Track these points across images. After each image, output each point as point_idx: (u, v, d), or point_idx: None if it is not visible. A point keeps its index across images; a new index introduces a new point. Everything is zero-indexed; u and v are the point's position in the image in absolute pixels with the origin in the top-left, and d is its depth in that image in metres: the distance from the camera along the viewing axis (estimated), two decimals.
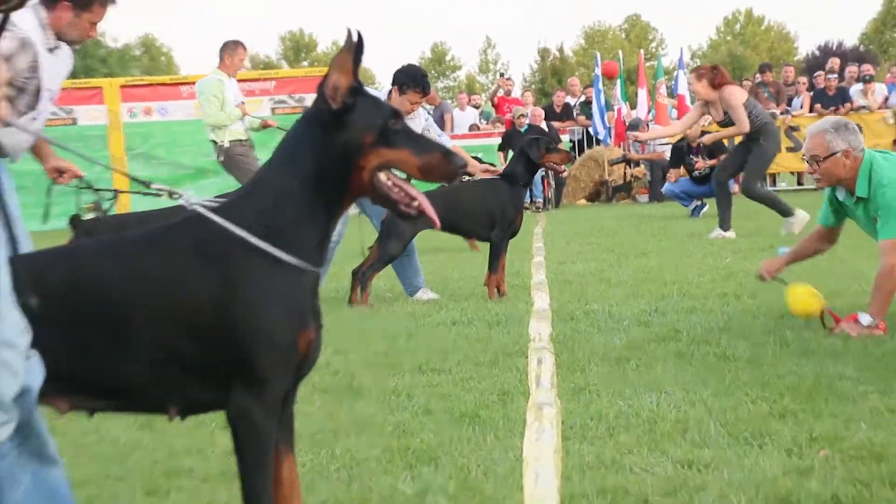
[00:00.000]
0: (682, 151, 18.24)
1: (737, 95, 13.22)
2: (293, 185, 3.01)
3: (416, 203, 3.07)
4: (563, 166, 10.00)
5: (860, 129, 21.75)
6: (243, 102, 13.10)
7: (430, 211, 3.11)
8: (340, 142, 2.99)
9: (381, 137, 3.00)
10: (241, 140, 12.66)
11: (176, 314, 2.94)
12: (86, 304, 2.96)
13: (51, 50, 5.98)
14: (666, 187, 18.87)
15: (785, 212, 13.57)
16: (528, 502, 3.72)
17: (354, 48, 3.00)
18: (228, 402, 2.95)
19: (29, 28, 5.83)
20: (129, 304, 2.95)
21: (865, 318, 6.52)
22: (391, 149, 3.01)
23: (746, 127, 13.22)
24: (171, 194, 3.42)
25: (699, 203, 17.46)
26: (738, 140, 15.01)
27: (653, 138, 19.89)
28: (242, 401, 2.93)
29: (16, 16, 5.80)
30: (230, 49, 12.94)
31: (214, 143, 12.66)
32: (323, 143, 3.01)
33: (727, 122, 13.53)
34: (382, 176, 3.02)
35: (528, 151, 9.32)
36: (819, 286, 6.97)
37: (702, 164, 17.01)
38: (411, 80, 9.11)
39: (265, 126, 13.06)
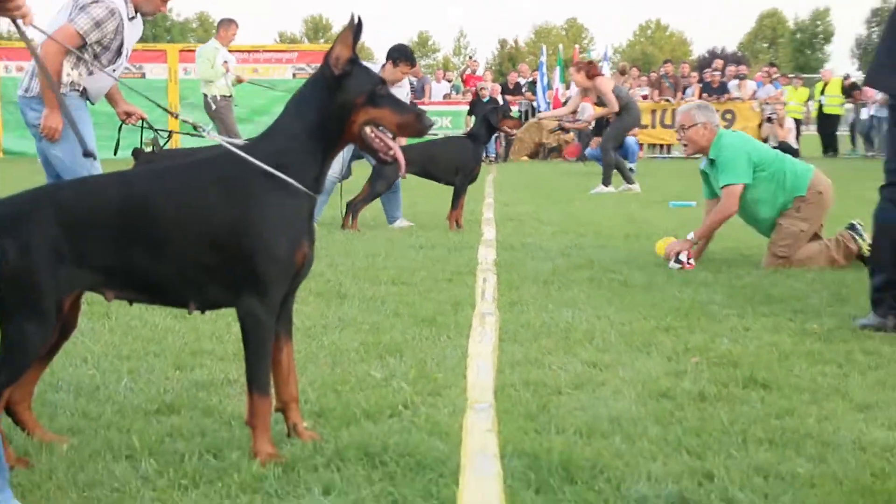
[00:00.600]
0: (602, 124, 18.21)
1: (606, 84, 13.44)
2: (299, 131, 2.97)
3: (391, 152, 3.04)
4: (514, 130, 9.93)
5: (734, 113, 21.92)
6: (226, 62, 13.11)
7: (402, 158, 3.10)
8: (338, 100, 2.95)
9: (369, 99, 2.97)
10: (225, 95, 12.67)
11: (200, 229, 2.89)
12: (130, 217, 2.90)
13: (130, 18, 5.95)
14: (588, 151, 18.83)
15: (627, 178, 13.91)
16: (470, 389, 3.67)
17: (355, 28, 2.96)
18: (238, 301, 2.91)
19: (115, 0, 5.82)
20: (164, 220, 2.89)
21: (690, 234, 6.74)
22: (377, 108, 2.98)
23: (615, 107, 13.38)
24: (195, 127, 3.42)
25: None
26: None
27: (550, 117, 19.41)
28: (249, 301, 2.89)
29: None
30: (225, 25, 13.13)
31: (205, 95, 12.62)
32: (324, 100, 2.97)
33: (601, 103, 13.82)
34: (368, 129, 3.00)
35: (490, 117, 9.26)
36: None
37: None
38: (402, 55, 9.08)
39: (239, 81, 13.12)
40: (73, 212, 2.85)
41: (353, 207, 8.89)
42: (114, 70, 6.07)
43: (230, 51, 13.66)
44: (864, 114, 24.71)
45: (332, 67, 2.94)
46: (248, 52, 23.48)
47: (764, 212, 6.75)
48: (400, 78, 9.09)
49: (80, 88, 5.96)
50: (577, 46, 35.98)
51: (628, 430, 3.19)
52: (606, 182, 13.60)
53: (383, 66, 9.10)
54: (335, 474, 2.81)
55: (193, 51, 23.64)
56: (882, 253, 4.84)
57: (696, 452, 2.99)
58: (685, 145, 7.02)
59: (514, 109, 23.64)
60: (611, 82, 13.62)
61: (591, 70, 13.40)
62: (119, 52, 5.99)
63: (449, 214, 9.11)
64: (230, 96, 12.77)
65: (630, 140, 16.58)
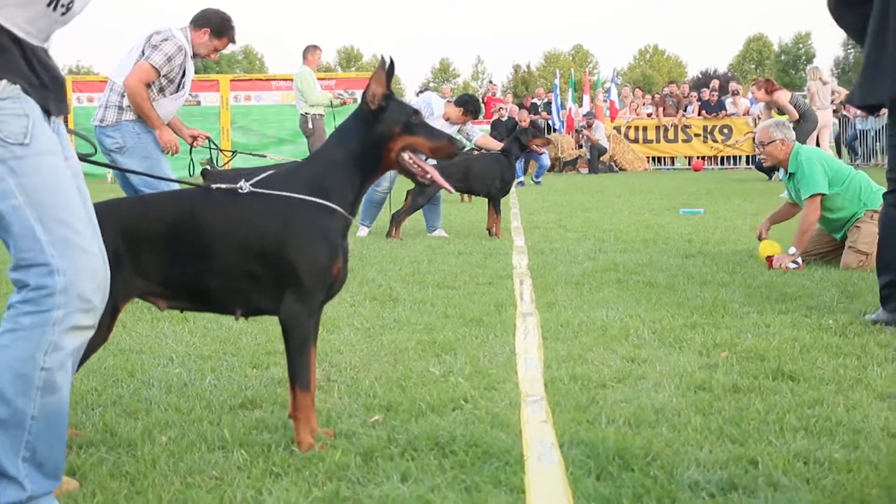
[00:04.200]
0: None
1: (784, 96, 13.38)
2: (340, 158, 2.98)
3: (428, 175, 3.05)
4: (542, 148, 9.84)
5: (731, 128, 21.62)
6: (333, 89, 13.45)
7: (441, 180, 3.11)
8: (376, 131, 2.97)
9: (404, 128, 2.98)
10: (321, 114, 12.74)
11: (249, 244, 2.88)
12: (183, 231, 2.89)
13: (192, 57, 6.07)
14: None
15: None
16: (522, 382, 3.62)
17: (387, 68, 2.97)
18: (281, 305, 2.88)
19: (182, 39, 5.96)
20: (215, 235, 2.88)
21: (791, 249, 6.58)
22: (412, 135, 2.99)
23: (795, 115, 13.29)
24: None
25: None
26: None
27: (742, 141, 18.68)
28: (291, 305, 2.87)
29: (176, 31, 6.01)
30: (311, 50, 13.06)
31: (306, 115, 12.61)
32: (364, 131, 2.99)
33: (781, 114, 13.59)
34: (405, 155, 3.01)
35: (521, 136, 9.20)
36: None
37: None
38: (473, 107, 9.14)
39: (343, 104, 13.22)
40: (133, 225, 2.86)
41: (396, 218, 8.84)
42: (177, 99, 6.18)
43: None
44: (855, 124, 24.45)
45: (370, 103, 2.96)
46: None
47: (836, 218, 6.70)
48: (462, 121, 9.09)
49: None
50: (587, 70, 35.93)
51: (673, 420, 3.13)
52: None
53: (448, 101, 9.27)
54: (410, 463, 2.77)
55: (242, 80, 24.08)
56: (888, 254, 4.75)
57: (739, 440, 2.92)
58: (764, 158, 7.07)
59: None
60: (788, 94, 13.58)
61: (770, 86, 13.50)
62: (181, 85, 6.11)
63: (488, 223, 9.02)
64: (323, 115, 12.89)
65: (543, 158, 17.26)
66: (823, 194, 6.55)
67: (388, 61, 2.98)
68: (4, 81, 2.12)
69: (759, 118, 23.65)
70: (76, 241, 2.18)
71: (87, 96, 22.48)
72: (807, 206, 6.62)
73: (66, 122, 2.40)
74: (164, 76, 5.97)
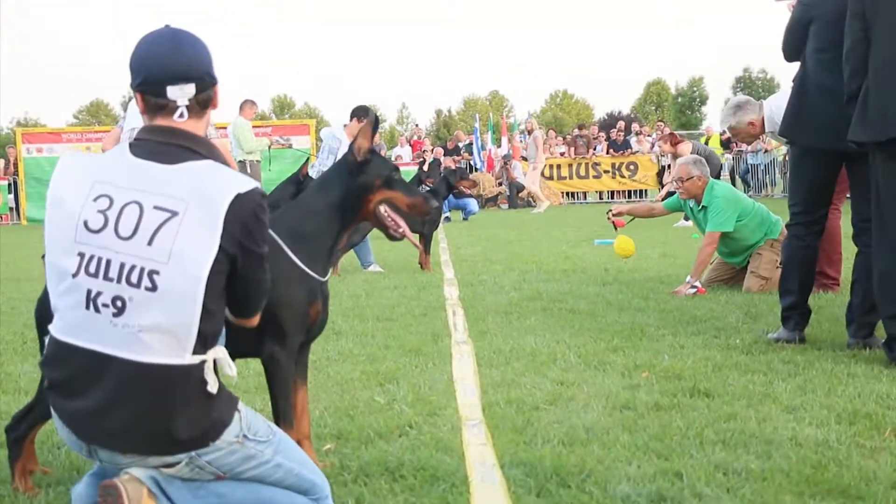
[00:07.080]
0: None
1: (686, 147, 13.67)
2: (321, 206, 2.93)
3: (401, 230, 3.04)
4: (469, 190, 9.89)
5: (637, 164, 22.12)
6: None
7: (410, 236, 3.10)
8: (358, 182, 2.95)
9: (385, 182, 2.98)
10: (257, 160, 12.82)
11: None
12: None
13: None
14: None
15: None
16: (461, 407, 3.62)
17: (373, 124, 2.99)
18: (261, 348, 2.81)
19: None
20: None
21: (688, 278, 6.69)
22: (391, 190, 2.99)
23: None
24: None
25: None
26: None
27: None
28: (271, 348, 2.80)
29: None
30: (249, 104, 13.27)
31: (242, 161, 12.64)
32: (347, 181, 2.96)
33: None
34: (382, 208, 2.99)
35: (449, 178, 9.27)
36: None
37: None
38: (364, 112, 8.96)
39: (282, 147, 13.48)
40: None
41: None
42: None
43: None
44: (747, 159, 25.07)
45: (356, 155, 2.94)
46: None
47: (742, 249, 6.87)
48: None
49: None
50: (504, 114, 36.34)
51: (602, 438, 3.16)
52: None
53: (346, 125, 9.03)
54: (363, 488, 2.75)
55: None
56: (789, 279, 4.89)
57: (664, 455, 2.96)
58: (681, 192, 7.12)
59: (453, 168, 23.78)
60: (689, 146, 13.85)
61: (674, 139, 13.88)
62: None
63: (421, 258, 8.99)
64: (260, 161, 12.96)
65: (471, 204, 17.95)
66: (724, 233, 6.74)
67: (373, 118, 3.00)
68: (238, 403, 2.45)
69: (670, 168, 24.36)
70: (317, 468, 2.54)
71: (35, 147, 22.16)
72: (707, 238, 6.75)
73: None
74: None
